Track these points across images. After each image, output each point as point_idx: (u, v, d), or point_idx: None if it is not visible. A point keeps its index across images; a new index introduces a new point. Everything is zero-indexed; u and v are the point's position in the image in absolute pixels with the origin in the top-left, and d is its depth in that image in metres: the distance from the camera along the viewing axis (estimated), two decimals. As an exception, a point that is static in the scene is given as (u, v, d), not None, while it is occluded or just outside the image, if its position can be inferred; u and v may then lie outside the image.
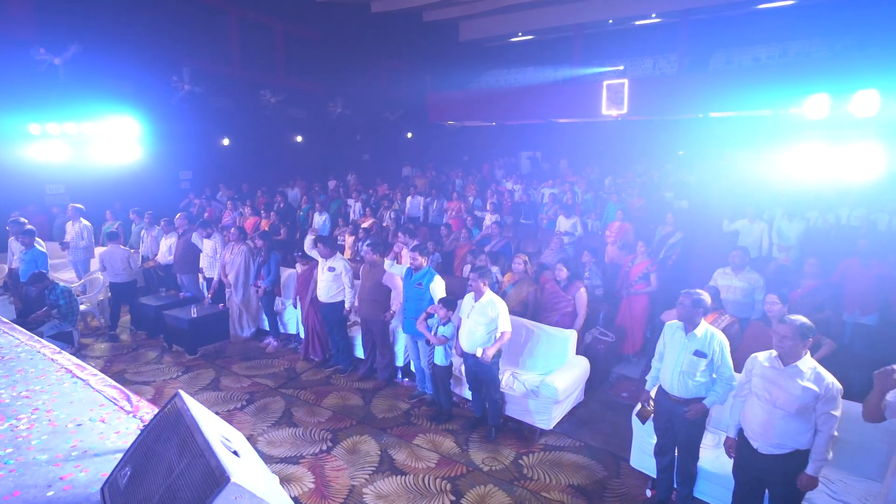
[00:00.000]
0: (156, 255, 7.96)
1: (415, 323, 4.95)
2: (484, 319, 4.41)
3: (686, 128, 17.92)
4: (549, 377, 4.46)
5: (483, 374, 4.49)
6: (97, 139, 9.71)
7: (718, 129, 17.42)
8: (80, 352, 6.47)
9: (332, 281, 5.58)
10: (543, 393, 4.42)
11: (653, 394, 3.68)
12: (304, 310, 6.09)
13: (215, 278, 6.92)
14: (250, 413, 5.03)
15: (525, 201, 10.07)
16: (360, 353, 5.97)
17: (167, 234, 7.69)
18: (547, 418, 4.46)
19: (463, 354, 4.60)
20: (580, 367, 4.75)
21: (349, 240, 8.57)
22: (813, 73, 14.27)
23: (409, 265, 5.04)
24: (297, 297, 6.24)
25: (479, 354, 4.37)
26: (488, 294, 4.46)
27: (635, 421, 3.92)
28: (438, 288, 4.93)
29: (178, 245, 7.34)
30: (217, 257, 6.97)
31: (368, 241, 5.62)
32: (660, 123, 18.33)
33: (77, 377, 3.42)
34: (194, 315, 6.40)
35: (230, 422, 4.85)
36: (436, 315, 4.81)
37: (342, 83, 16.83)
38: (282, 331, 6.81)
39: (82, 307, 6.99)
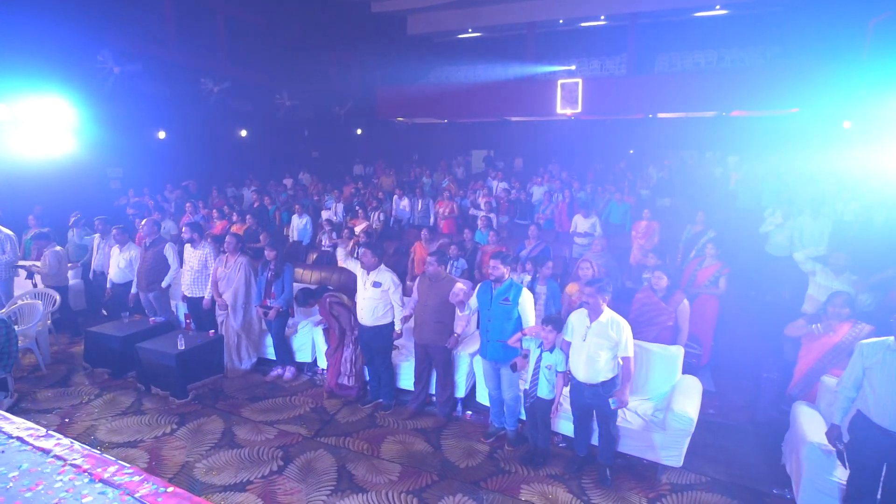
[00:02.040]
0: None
1: (500, 347, 3.99)
2: (607, 343, 3.55)
3: (634, 127, 18.19)
4: (678, 405, 3.71)
5: (604, 406, 3.65)
6: (7, 126, 7.70)
7: (665, 128, 17.86)
8: (18, 404, 4.82)
9: (379, 299, 4.46)
10: (674, 424, 3.65)
11: (844, 428, 3.05)
12: (335, 335, 4.89)
13: (207, 297, 5.47)
14: (294, 477, 3.80)
15: (522, 200, 9.32)
16: (404, 384, 4.89)
17: (121, 245, 6.04)
18: (678, 454, 3.69)
19: (575, 385, 3.73)
20: (697, 389, 4.05)
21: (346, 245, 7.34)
22: (747, 78, 14.94)
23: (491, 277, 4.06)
24: (327, 325, 5.00)
25: (613, 406, 3.58)
26: (608, 311, 3.61)
27: (809, 456, 3.27)
28: (528, 304, 4.00)
29: (145, 258, 5.77)
30: (202, 272, 5.52)
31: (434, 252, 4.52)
32: (608, 122, 18.47)
33: (100, 479, 2.13)
34: (182, 347, 4.96)
35: (273, 493, 3.63)
36: (530, 338, 3.90)
37: (289, 74, 15.21)
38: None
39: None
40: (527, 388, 3.92)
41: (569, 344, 3.81)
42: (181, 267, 5.83)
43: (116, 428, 4.46)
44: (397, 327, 4.55)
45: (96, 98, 9.79)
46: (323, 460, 4.01)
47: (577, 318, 3.75)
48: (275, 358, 5.48)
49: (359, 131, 18.39)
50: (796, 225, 6.85)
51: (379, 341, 4.57)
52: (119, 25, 10.63)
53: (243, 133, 14.35)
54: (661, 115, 17.01)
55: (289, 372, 5.37)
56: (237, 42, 13.94)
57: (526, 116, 18.53)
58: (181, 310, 6.08)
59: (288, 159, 15.55)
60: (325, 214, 9.57)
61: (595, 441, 3.90)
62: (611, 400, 3.62)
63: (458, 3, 17.62)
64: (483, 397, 4.55)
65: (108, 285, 6.08)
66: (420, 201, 9.22)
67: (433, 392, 4.70)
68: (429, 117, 19.78)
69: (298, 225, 8.37)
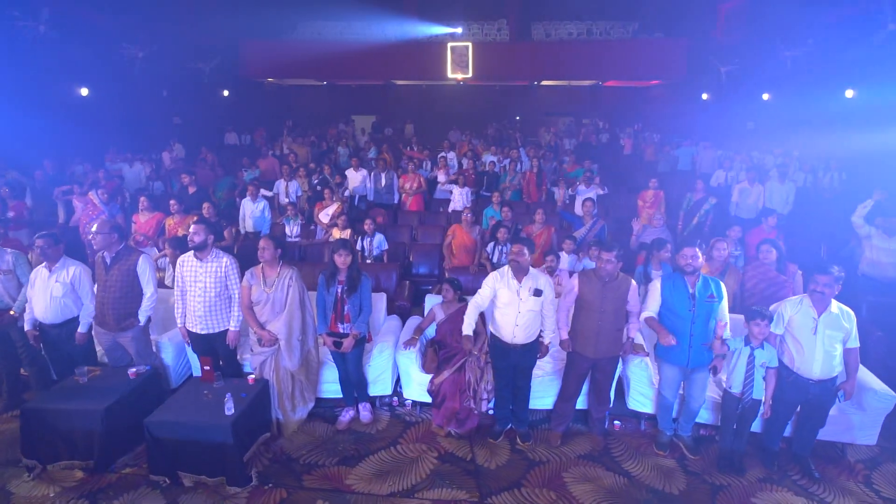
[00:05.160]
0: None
1: (705, 351, 3.39)
2: (840, 335, 3.20)
3: (518, 93, 18.37)
4: (875, 383, 3.58)
5: (828, 401, 3.33)
6: None
7: (547, 95, 18.39)
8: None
9: (539, 310, 3.45)
10: (875, 404, 3.51)
11: None
12: (456, 361, 3.73)
13: (234, 328, 3.73)
14: (517, 566, 2.76)
15: (490, 171, 8.54)
16: (536, 404, 3.97)
17: (51, 262, 3.73)
18: (874, 432, 3.59)
19: (795, 381, 3.32)
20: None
21: (339, 235, 5.82)
22: (614, 51, 15.95)
23: (686, 266, 3.33)
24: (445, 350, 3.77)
25: (842, 400, 3.33)
26: (835, 302, 3.25)
27: None
28: (726, 297, 3.45)
29: (108, 282, 3.68)
30: (221, 294, 3.72)
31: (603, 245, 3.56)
32: (496, 88, 18.37)
33: None
34: (232, 412, 3.29)
35: None
36: (735, 337, 3.37)
37: (138, 17, 11.73)
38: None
39: None
40: (733, 390, 3.40)
41: (776, 337, 3.40)
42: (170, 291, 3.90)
43: (178, 562, 2.76)
44: (547, 340, 3.60)
45: None
46: (526, 531, 3.01)
47: (794, 309, 3.32)
48: (339, 396, 4.04)
49: (225, 93, 15.28)
50: (766, 188, 7.43)
51: (528, 360, 3.58)
52: None
53: (84, 91, 10.71)
54: (544, 83, 17.43)
55: (365, 411, 4.02)
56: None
57: (414, 80, 17.40)
58: (166, 351, 4.13)
59: (145, 126, 12.19)
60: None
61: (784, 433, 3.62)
62: (840, 393, 3.33)
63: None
64: (639, 404, 3.93)
65: (29, 326, 3.79)
66: (383, 175, 7.85)
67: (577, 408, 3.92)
68: (303, 78, 17.36)
69: (254, 211, 6.41)
